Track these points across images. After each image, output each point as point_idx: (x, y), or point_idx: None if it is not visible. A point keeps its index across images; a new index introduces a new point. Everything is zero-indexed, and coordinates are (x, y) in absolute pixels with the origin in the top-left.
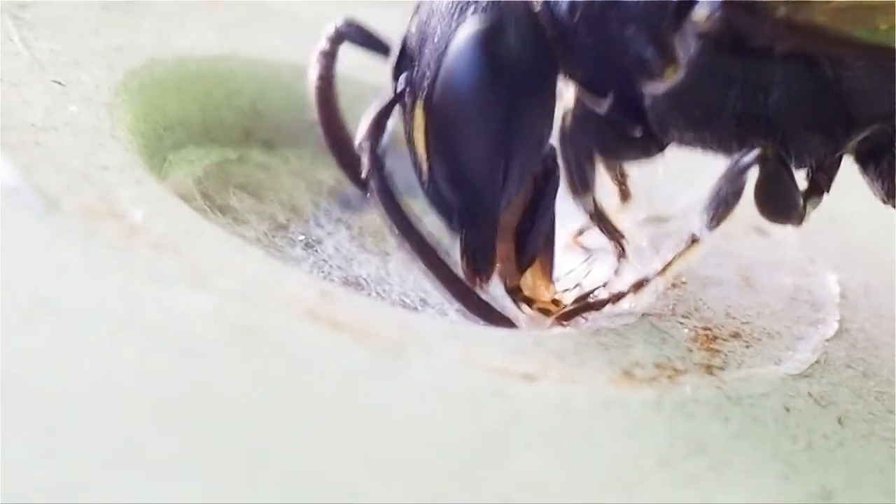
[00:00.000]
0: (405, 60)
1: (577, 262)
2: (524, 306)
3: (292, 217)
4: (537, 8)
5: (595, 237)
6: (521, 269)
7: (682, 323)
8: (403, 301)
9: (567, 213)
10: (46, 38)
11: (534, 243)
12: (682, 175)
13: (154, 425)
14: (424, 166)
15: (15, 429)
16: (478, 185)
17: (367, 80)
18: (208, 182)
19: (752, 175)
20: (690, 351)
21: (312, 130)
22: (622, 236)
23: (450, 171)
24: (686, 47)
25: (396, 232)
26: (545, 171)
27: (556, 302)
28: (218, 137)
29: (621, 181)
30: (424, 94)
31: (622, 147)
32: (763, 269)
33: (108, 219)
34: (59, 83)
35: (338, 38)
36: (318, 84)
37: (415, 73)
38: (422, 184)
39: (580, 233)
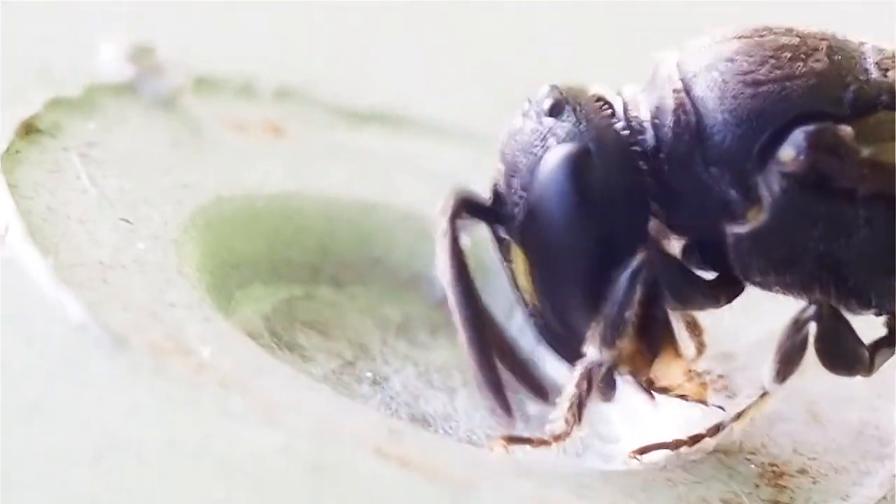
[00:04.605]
0: (499, 203)
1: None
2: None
3: (359, 354)
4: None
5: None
6: (650, 363)
7: (749, 459)
8: (470, 437)
9: None
10: (115, 175)
11: (654, 338)
12: (745, 310)
13: None
14: (532, 304)
15: None
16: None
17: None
18: (276, 319)
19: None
20: (758, 486)
21: (379, 267)
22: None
23: (558, 306)
24: (770, 188)
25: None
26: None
27: (691, 375)
28: (285, 275)
29: (697, 334)
30: (518, 230)
31: (690, 295)
32: (830, 403)
33: (176, 356)
34: (127, 221)
35: (456, 212)
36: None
37: (508, 210)
38: (533, 323)
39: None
